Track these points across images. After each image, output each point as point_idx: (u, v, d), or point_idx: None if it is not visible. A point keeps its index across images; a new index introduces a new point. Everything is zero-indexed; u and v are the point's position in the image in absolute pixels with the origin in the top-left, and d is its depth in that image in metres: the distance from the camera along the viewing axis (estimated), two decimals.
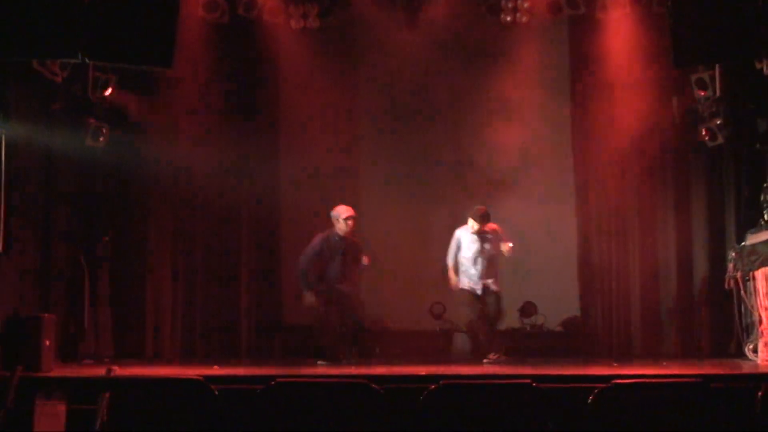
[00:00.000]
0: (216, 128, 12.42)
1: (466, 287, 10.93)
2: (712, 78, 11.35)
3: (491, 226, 10.91)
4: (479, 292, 10.87)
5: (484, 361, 10.57)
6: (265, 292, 12.48)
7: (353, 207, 10.88)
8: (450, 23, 12.55)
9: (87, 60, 9.58)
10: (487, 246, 10.86)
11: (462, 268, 10.96)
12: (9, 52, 9.43)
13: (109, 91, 11.32)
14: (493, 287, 10.86)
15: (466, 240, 10.92)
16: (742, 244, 10.87)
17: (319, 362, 10.46)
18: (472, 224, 10.82)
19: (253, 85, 12.63)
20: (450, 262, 11.07)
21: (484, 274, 10.85)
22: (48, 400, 7.37)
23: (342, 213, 10.73)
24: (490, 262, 10.89)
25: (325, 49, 12.69)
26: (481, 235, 10.84)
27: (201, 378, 6.44)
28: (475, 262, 10.87)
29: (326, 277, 10.79)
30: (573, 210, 12.63)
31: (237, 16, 12.11)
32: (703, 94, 11.47)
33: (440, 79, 13.02)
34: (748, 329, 10.83)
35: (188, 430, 6.57)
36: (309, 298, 10.66)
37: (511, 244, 10.71)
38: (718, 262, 11.81)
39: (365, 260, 10.88)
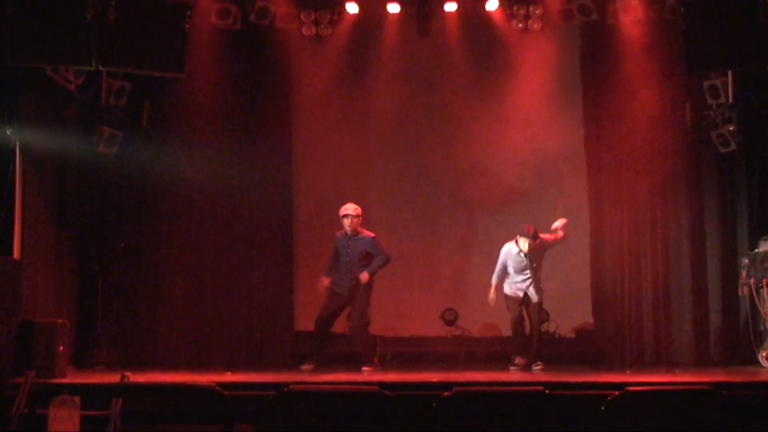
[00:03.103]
0: (229, 134, 12.44)
1: (509, 293, 11.02)
2: (725, 84, 11.31)
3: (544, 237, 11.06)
4: (521, 298, 10.98)
5: (510, 368, 10.77)
6: (278, 299, 12.47)
7: (362, 209, 10.96)
8: (462, 31, 12.56)
9: (100, 67, 9.63)
10: (534, 263, 10.94)
11: (507, 279, 11.02)
12: (23, 59, 9.51)
13: (122, 99, 11.36)
14: (534, 298, 10.91)
15: (512, 260, 10.92)
16: (755, 251, 10.85)
17: (304, 366, 10.51)
18: (521, 245, 10.83)
19: (266, 92, 12.64)
20: (495, 280, 11.02)
21: (528, 284, 10.93)
22: (61, 406, 7.38)
23: (340, 211, 10.90)
24: (535, 272, 10.97)
25: (337, 55, 12.69)
26: (526, 254, 10.89)
27: (214, 384, 6.45)
28: (521, 273, 10.95)
29: (339, 275, 10.91)
30: (586, 216, 12.60)
31: (249, 24, 12.14)
32: (715, 100, 11.44)
33: (452, 86, 13.01)
34: (761, 336, 10.82)
35: None
36: (322, 280, 10.87)
37: (564, 221, 11.07)
38: (730, 269, 11.77)
39: (363, 277, 10.82)
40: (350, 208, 10.84)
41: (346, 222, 10.81)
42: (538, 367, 10.64)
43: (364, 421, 5.80)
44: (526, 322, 11.05)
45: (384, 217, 12.77)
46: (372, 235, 10.97)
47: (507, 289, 11.02)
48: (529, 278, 10.89)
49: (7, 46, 9.35)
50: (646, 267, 12.32)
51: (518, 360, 10.87)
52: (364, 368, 10.56)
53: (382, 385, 6.55)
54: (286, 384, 6.41)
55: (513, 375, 10.28)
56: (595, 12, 12.08)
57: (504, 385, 8.42)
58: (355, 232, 10.86)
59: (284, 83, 12.77)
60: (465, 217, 12.92)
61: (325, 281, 10.88)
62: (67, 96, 10.70)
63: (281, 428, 5.85)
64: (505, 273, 10.97)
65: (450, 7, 12.26)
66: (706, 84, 11.44)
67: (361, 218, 10.93)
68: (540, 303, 10.99)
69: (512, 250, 10.91)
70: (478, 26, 12.54)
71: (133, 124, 11.65)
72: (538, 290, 10.91)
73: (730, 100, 11.34)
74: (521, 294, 10.94)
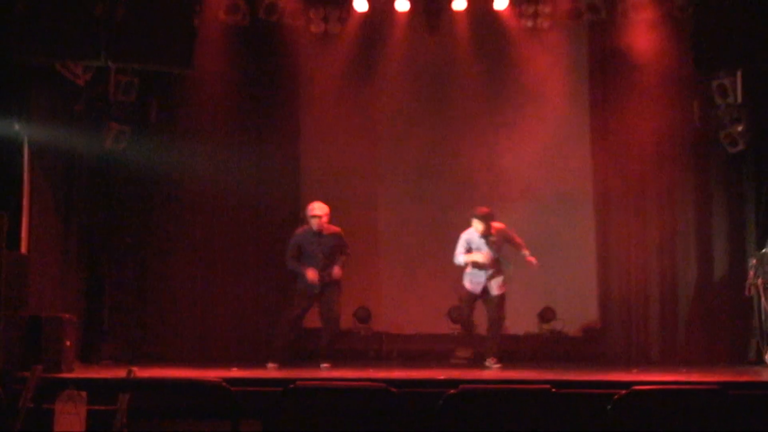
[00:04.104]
0: (237, 130, 12.46)
1: (467, 287, 10.92)
2: (733, 84, 11.28)
3: (496, 226, 10.88)
4: (478, 293, 10.88)
5: (486, 363, 10.67)
6: (283, 295, 12.46)
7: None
8: (470, 29, 12.55)
9: (109, 62, 9.65)
10: (493, 248, 10.82)
11: (468, 270, 10.91)
12: (32, 54, 9.54)
13: (131, 94, 11.38)
14: (496, 291, 10.82)
15: (476, 242, 10.82)
16: (763, 251, 10.83)
17: (269, 365, 10.48)
18: (476, 226, 10.75)
19: (274, 88, 12.66)
20: (461, 260, 10.88)
21: (489, 276, 10.83)
22: (68, 400, 7.40)
23: (308, 211, 10.78)
24: (495, 263, 10.85)
25: (345, 53, 12.69)
26: (487, 237, 10.79)
27: (221, 380, 6.46)
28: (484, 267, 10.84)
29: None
30: (592, 214, 12.59)
31: (258, 19, 12.15)
32: (724, 100, 11.41)
33: (460, 84, 13.00)
34: None
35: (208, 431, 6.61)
36: (311, 274, 10.60)
37: (533, 260, 10.75)
38: (738, 269, 11.75)
39: (337, 273, 10.71)
40: (319, 209, 10.69)
41: (315, 221, 10.66)
42: (497, 366, 10.53)
43: (370, 418, 5.80)
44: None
45: (391, 215, 12.76)
46: (339, 229, 10.86)
47: (467, 282, 10.92)
48: (491, 272, 10.81)
49: (16, 41, 9.39)
50: (653, 266, 12.31)
51: (458, 352, 10.88)
52: (323, 364, 10.48)
53: (388, 382, 6.55)
54: (293, 380, 6.41)
55: (520, 373, 10.25)
56: (604, 10, 12.09)
57: (510, 383, 8.41)
58: (322, 228, 10.80)
59: (292, 80, 12.79)
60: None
61: (313, 274, 10.61)
62: (76, 91, 10.72)
63: (287, 424, 5.86)
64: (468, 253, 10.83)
65: (458, 5, 12.25)
66: (714, 83, 11.40)
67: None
68: (501, 297, 10.84)
69: (472, 233, 10.81)
70: (486, 24, 12.54)
71: (142, 119, 11.66)
72: (499, 284, 10.82)
73: (739, 100, 11.30)
74: (479, 290, 10.84)
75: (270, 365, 10.47)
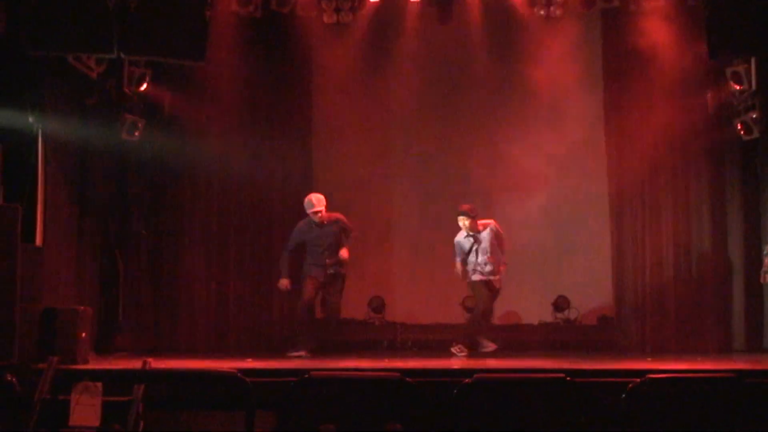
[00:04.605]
0: (249, 122, 12.47)
1: (477, 279, 11.07)
2: (748, 71, 11.24)
3: (484, 222, 11.06)
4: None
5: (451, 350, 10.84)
6: (297, 286, 12.47)
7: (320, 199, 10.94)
8: (482, 17, 12.51)
9: (122, 55, 9.66)
10: (483, 246, 10.99)
11: (469, 266, 11.08)
12: (45, 47, 9.55)
13: (144, 86, 11.41)
14: (496, 284, 11.03)
15: (465, 245, 11.06)
16: None
17: (293, 354, 10.57)
18: (461, 223, 10.98)
19: (286, 79, 12.65)
20: (457, 268, 11.18)
21: (489, 272, 11.00)
22: (83, 392, 7.42)
23: (307, 208, 10.95)
24: (488, 256, 11.00)
25: (357, 43, 12.68)
26: (473, 235, 11.00)
27: (235, 371, 6.47)
28: (475, 257, 11.02)
29: (316, 260, 10.95)
30: (606, 204, 12.55)
31: (270, 11, 12.13)
32: (738, 87, 11.37)
33: (472, 73, 12.95)
34: None
35: (223, 422, 6.62)
36: (283, 282, 10.98)
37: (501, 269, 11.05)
38: (753, 257, 11.71)
39: (345, 254, 10.91)
40: (317, 203, 10.88)
41: (317, 217, 10.89)
42: (462, 353, 10.71)
43: (385, 407, 5.81)
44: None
45: (404, 205, 12.75)
46: (338, 215, 11.08)
47: (477, 276, 11.05)
48: (490, 268, 10.96)
49: (30, 34, 9.40)
50: (667, 254, 12.27)
51: (458, 348, 10.93)
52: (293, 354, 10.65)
53: (403, 372, 6.55)
54: (307, 371, 6.42)
55: (534, 362, 10.24)
56: None
57: (525, 372, 8.41)
58: (323, 219, 10.93)
59: (305, 70, 12.78)
60: (485, 205, 12.84)
61: (286, 282, 10.99)
62: (89, 84, 10.74)
63: (302, 415, 5.87)
64: (464, 257, 11.06)
65: None
66: (728, 71, 11.38)
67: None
68: (496, 291, 11.11)
69: (461, 235, 11.06)
70: (499, 13, 12.49)
71: (155, 111, 11.68)
72: (487, 272, 10.98)
73: (753, 87, 11.27)
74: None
75: (297, 354, 10.54)
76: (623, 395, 5.78)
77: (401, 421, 5.63)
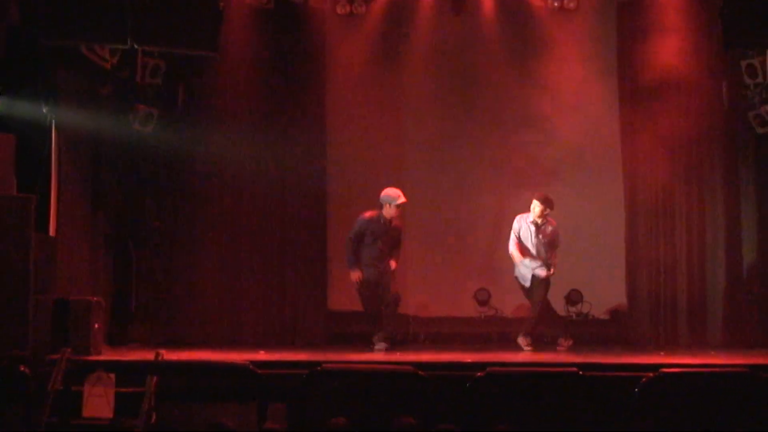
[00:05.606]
0: (263, 113, 12.44)
1: (543, 275, 11.09)
2: (763, 64, 11.18)
3: (552, 221, 11.13)
4: (527, 285, 11.09)
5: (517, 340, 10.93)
6: (311, 278, 12.50)
7: (397, 189, 10.94)
8: (496, 9, 12.49)
9: (135, 45, 9.67)
10: (541, 240, 11.03)
11: (533, 260, 11.11)
12: (59, 37, 9.56)
13: (157, 77, 11.40)
14: (541, 273, 10.99)
15: (524, 232, 11.09)
16: None
17: (376, 347, 10.59)
18: (534, 209, 10.97)
19: (300, 71, 12.62)
20: (513, 253, 11.16)
21: (538, 264, 11.05)
22: (96, 383, 7.44)
23: (395, 198, 10.84)
24: (544, 251, 11.06)
25: (371, 34, 12.66)
26: (538, 224, 11.01)
27: (248, 363, 6.48)
28: (535, 250, 11.08)
29: (363, 258, 10.92)
30: (621, 198, 12.50)
31: (283, 2, 12.13)
32: (753, 80, 11.31)
33: (486, 64, 12.91)
34: None
35: (235, 413, 6.63)
36: (355, 275, 10.87)
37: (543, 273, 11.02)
38: (767, 250, 11.66)
39: (392, 265, 10.93)
40: (404, 197, 10.86)
41: (398, 211, 10.86)
42: (529, 348, 10.78)
43: (397, 400, 5.81)
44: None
45: (418, 197, 12.73)
46: (401, 224, 11.13)
47: (541, 271, 11.04)
48: (537, 264, 11.01)
49: (43, 24, 9.41)
50: (681, 248, 12.22)
51: (562, 341, 10.98)
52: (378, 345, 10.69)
53: (416, 365, 6.55)
54: (319, 363, 6.43)
55: (547, 356, 10.25)
56: None
57: (537, 365, 8.40)
58: (394, 218, 10.89)
59: (318, 62, 12.74)
60: (499, 197, 12.83)
61: (359, 275, 10.90)
62: (103, 74, 10.75)
63: (314, 407, 5.87)
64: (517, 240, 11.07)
65: None
66: (743, 63, 11.31)
67: None
68: (547, 280, 11.10)
69: (523, 220, 11.10)
70: (512, 4, 12.47)
71: (168, 102, 11.68)
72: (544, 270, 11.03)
73: None
74: (527, 282, 11.12)
75: (378, 347, 10.65)
76: (636, 389, 5.77)
77: (413, 415, 5.63)
